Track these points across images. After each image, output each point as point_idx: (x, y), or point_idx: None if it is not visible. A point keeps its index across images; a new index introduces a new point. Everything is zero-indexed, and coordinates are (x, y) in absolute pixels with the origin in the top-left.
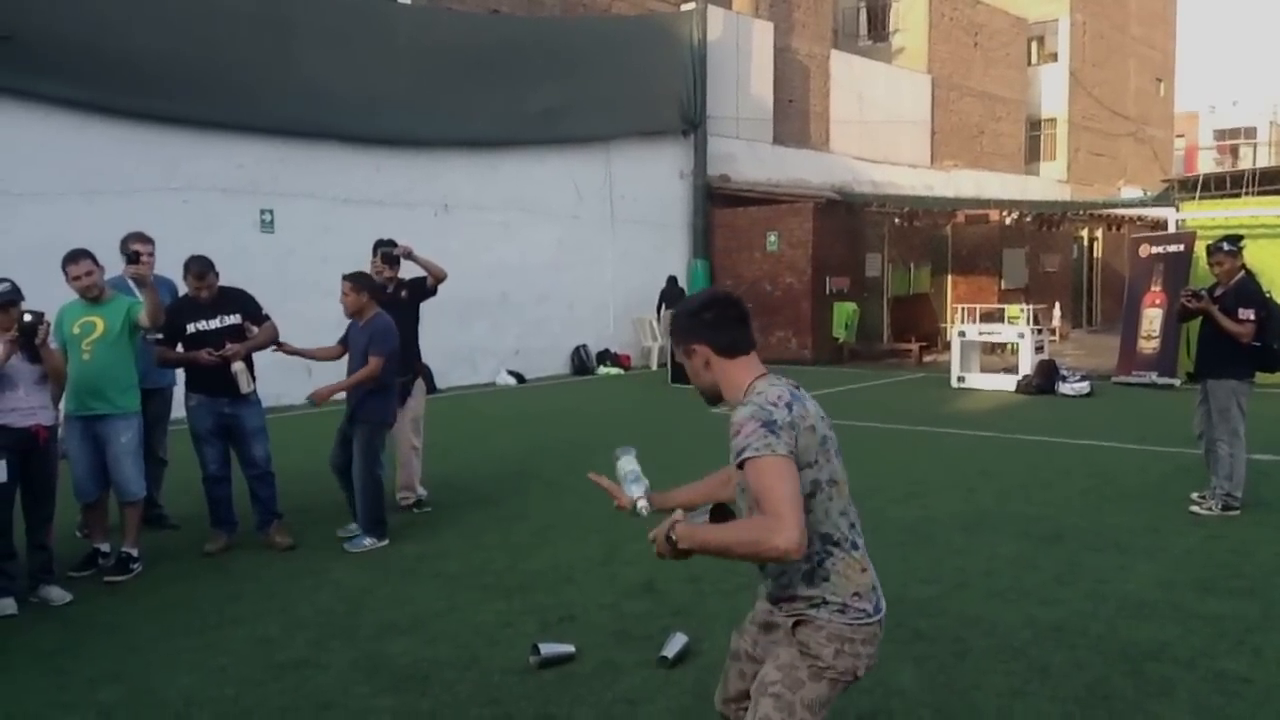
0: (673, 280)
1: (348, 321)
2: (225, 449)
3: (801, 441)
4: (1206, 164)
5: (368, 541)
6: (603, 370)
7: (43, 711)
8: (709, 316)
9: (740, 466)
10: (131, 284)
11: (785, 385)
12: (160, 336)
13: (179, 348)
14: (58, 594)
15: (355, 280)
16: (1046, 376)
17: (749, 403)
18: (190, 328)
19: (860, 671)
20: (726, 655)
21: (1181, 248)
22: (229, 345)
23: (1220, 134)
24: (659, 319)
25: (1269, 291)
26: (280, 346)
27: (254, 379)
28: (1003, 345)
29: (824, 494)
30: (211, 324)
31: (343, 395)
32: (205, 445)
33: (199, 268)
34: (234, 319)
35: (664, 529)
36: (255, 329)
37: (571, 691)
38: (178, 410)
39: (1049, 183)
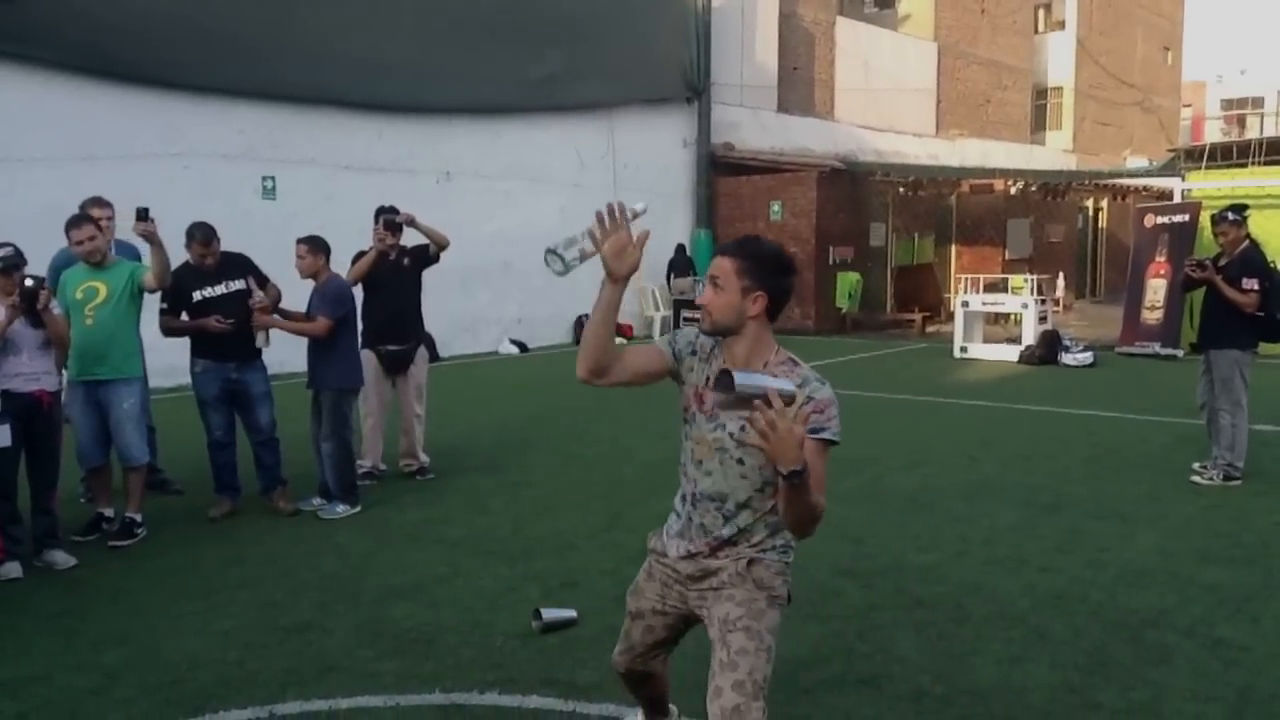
0: (680, 249)
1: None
2: (231, 414)
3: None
4: (1213, 134)
5: (341, 509)
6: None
7: (49, 673)
8: (792, 282)
9: (811, 433)
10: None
11: None
12: (165, 306)
13: (183, 316)
14: (62, 558)
15: (310, 243)
16: (1050, 347)
17: (819, 381)
18: (197, 295)
19: (790, 596)
20: (626, 619)
21: (1187, 218)
22: (258, 316)
23: (1227, 103)
24: (669, 286)
25: (1274, 262)
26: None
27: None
28: (1006, 315)
29: None
30: (217, 290)
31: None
32: (211, 411)
33: (203, 235)
34: (239, 284)
35: (796, 435)
36: (260, 292)
37: (573, 655)
38: (171, 378)
39: (1054, 152)
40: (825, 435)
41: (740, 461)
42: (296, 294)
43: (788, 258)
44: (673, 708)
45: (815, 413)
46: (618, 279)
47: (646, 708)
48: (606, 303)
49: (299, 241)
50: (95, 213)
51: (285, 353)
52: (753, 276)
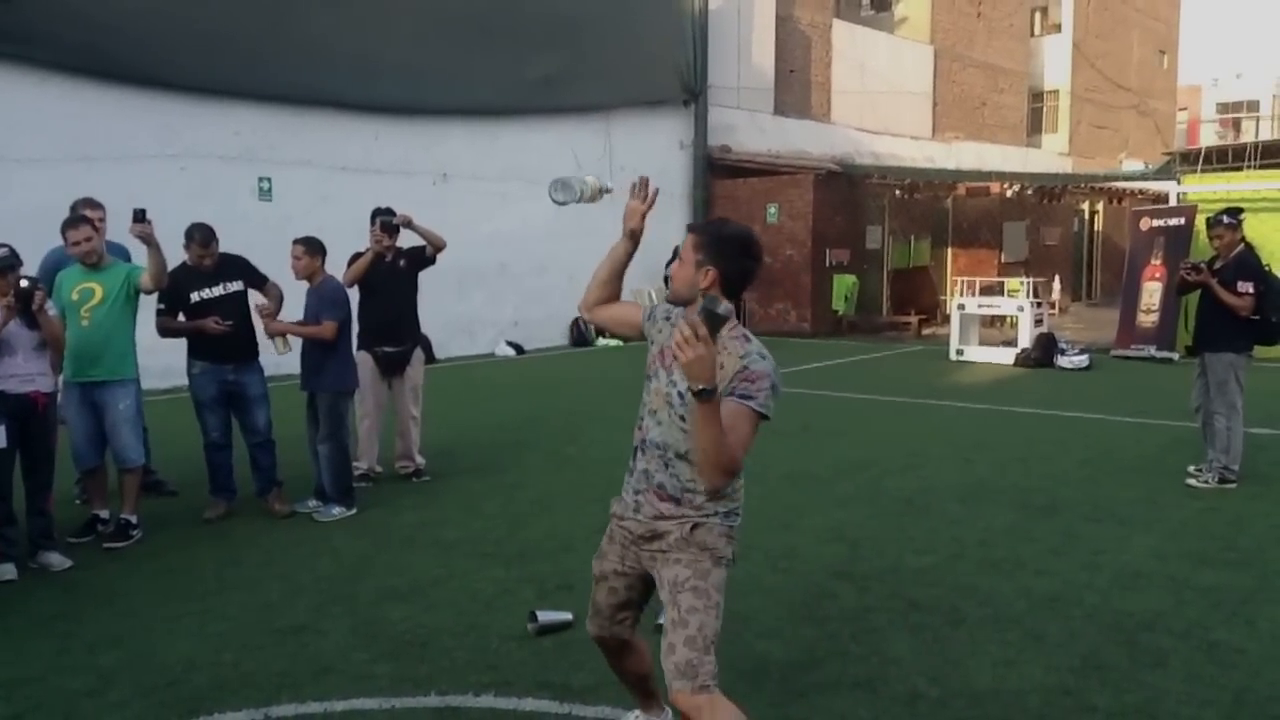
0: (676, 251)
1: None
2: (227, 416)
3: (775, 404)
4: (1209, 137)
5: (336, 510)
6: (601, 342)
7: (43, 675)
8: (740, 266)
9: (732, 395)
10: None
11: None
12: (162, 307)
13: (180, 317)
14: (57, 559)
15: (307, 244)
16: (1045, 350)
17: (760, 355)
18: (194, 296)
19: (735, 557)
20: (594, 583)
21: (1182, 221)
22: (266, 321)
23: (1223, 107)
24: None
25: (1268, 265)
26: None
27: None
28: (1002, 318)
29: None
30: (215, 291)
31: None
32: (208, 412)
33: (203, 236)
34: (237, 285)
35: (705, 353)
36: (267, 302)
37: (569, 658)
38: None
39: (1050, 155)
40: (751, 405)
41: (683, 418)
42: (291, 295)
43: (751, 242)
44: (667, 709)
45: (746, 381)
46: (626, 235)
47: (634, 691)
48: (612, 250)
49: (295, 242)
50: (88, 213)
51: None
52: (707, 253)
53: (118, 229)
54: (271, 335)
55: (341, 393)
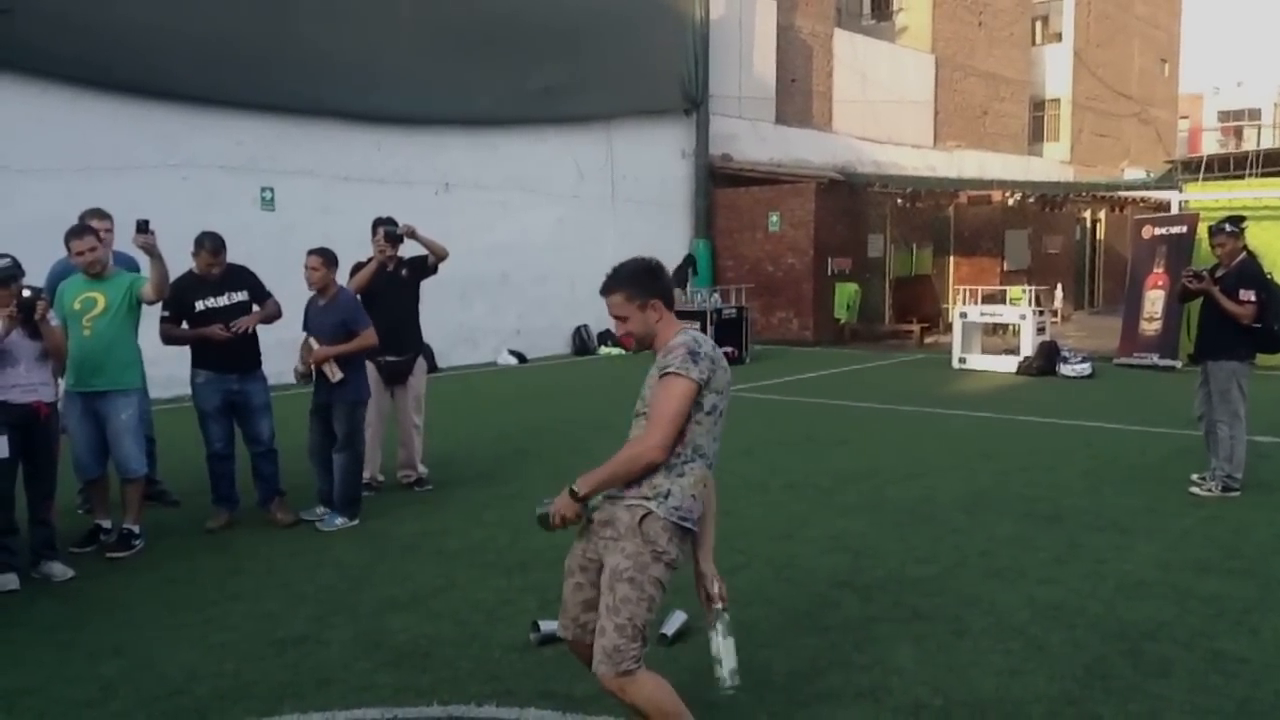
0: (690, 259)
1: None
2: (230, 426)
3: (716, 375)
4: (1210, 145)
5: (340, 520)
6: (604, 350)
7: (45, 685)
8: (665, 282)
9: (660, 372)
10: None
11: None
12: (166, 314)
13: (184, 325)
14: (59, 569)
15: (324, 255)
16: (1048, 358)
17: (683, 333)
18: (199, 305)
19: (680, 560)
20: (564, 579)
21: (1184, 229)
22: (319, 352)
23: (1224, 115)
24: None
25: (1270, 273)
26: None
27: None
28: (1004, 327)
29: (715, 416)
30: (220, 301)
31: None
32: (211, 422)
33: (213, 244)
34: (241, 296)
35: (561, 500)
36: (315, 343)
37: (571, 668)
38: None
39: (1052, 164)
40: (667, 370)
41: (638, 415)
42: (295, 307)
43: (653, 263)
44: None
45: (666, 353)
46: None
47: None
48: None
49: (312, 253)
50: (95, 224)
51: (283, 363)
52: (640, 293)
53: (123, 239)
54: (319, 364)
55: (359, 402)
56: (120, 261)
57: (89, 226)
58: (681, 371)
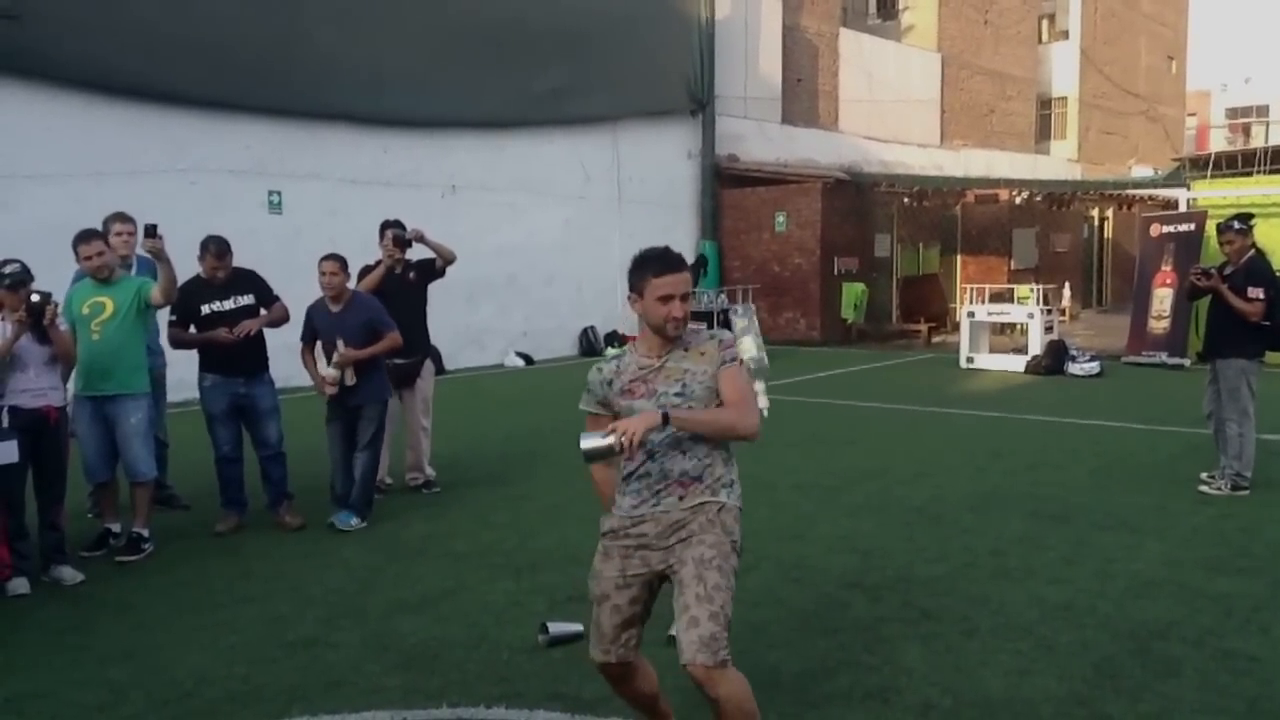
0: (702, 259)
1: None
2: (239, 429)
3: None
4: (1218, 142)
5: (354, 521)
6: (611, 351)
7: (55, 689)
8: (652, 261)
9: (724, 362)
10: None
11: None
12: (173, 318)
13: (191, 329)
14: (69, 573)
15: (341, 261)
16: (1056, 357)
17: (702, 328)
18: (205, 309)
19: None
20: (594, 608)
21: (1192, 227)
22: (342, 355)
23: (1232, 112)
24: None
25: (1279, 271)
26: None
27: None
28: (1012, 325)
29: None
30: (226, 304)
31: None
32: (219, 426)
33: (218, 248)
34: (248, 299)
35: (648, 416)
36: (340, 349)
37: (580, 669)
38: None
39: (1059, 162)
40: (735, 359)
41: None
42: (303, 311)
43: (637, 258)
44: None
45: (728, 348)
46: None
47: (644, 713)
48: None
49: (329, 258)
50: (117, 228)
51: (291, 366)
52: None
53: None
54: (343, 367)
55: (383, 403)
56: (143, 267)
57: (96, 231)
58: (740, 360)
